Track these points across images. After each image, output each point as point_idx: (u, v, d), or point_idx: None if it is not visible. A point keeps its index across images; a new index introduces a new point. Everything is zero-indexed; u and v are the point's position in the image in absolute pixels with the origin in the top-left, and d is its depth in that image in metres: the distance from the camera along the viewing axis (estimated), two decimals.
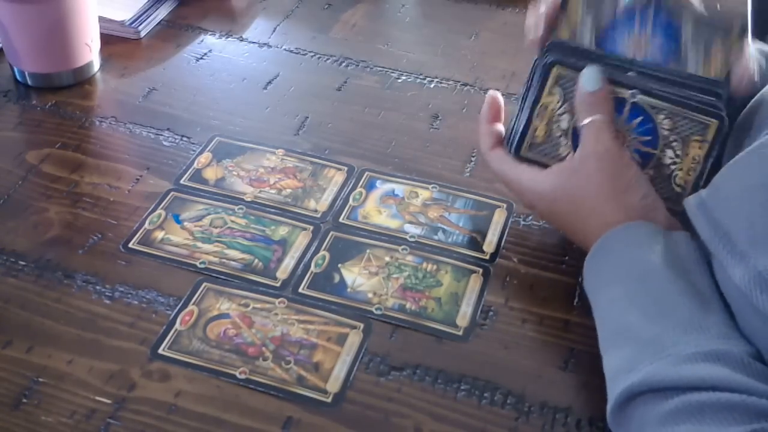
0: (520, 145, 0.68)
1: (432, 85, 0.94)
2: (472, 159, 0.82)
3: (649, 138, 0.66)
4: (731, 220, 0.53)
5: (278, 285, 0.69)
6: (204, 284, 0.69)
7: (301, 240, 0.73)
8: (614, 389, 0.54)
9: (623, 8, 0.66)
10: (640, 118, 0.65)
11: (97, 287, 0.68)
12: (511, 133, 0.69)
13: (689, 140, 0.65)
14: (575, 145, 0.67)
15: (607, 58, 0.66)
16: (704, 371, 0.49)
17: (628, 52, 0.66)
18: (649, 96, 0.65)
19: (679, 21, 0.65)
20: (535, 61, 0.68)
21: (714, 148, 0.64)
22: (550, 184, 0.66)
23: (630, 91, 0.65)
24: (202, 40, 1.00)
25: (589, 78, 0.65)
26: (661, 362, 0.51)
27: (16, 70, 0.91)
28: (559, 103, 0.67)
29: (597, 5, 0.66)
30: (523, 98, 0.69)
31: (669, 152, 0.65)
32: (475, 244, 0.74)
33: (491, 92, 0.72)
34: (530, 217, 0.76)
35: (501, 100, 0.72)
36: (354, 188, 0.79)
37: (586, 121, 0.64)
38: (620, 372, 0.54)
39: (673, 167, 0.65)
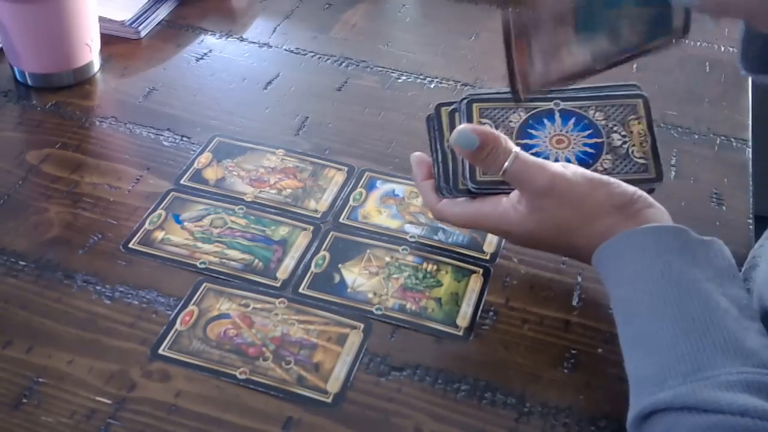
0: (473, 176, 0.66)
1: (432, 85, 0.94)
2: None
3: (591, 131, 0.68)
4: None
5: (278, 285, 0.69)
6: (204, 284, 0.69)
7: (302, 240, 0.73)
8: (640, 398, 0.52)
9: (528, 118, 0.68)
10: (573, 119, 0.68)
11: (97, 287, 0.68)
12: (447, 176, 0.68)
13: (627, 121, 0.68)
14: None
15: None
16: (747, 401, 0.48)
17: (549, 154, 0.67)
18: (571, 100, 0.69)
19: (585, 112, 0.69)
20: (430, 116, 0.71)
21: (651, 116, 0.68)
22: (520, 222, 0.63)
23: (553, 102, 0.68)
24: (202, 40, 1.00)
25: (463, 140, 0.62)
26: (698, 384, 0.50)
27: (16, 70, 0.91)
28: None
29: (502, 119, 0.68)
30: (438, 146, 0.69)
31: (615, 135, 0.68)
32: (475, 244, 0.74)
33: (414, 154, 0.71)
34: None
35: (426, 156, 0.70)
36: (354, 188, 0.79)
37: (501, 171, 0.62)
38: (647, 382, 0.52)
39: (625, 146, 0.67)
